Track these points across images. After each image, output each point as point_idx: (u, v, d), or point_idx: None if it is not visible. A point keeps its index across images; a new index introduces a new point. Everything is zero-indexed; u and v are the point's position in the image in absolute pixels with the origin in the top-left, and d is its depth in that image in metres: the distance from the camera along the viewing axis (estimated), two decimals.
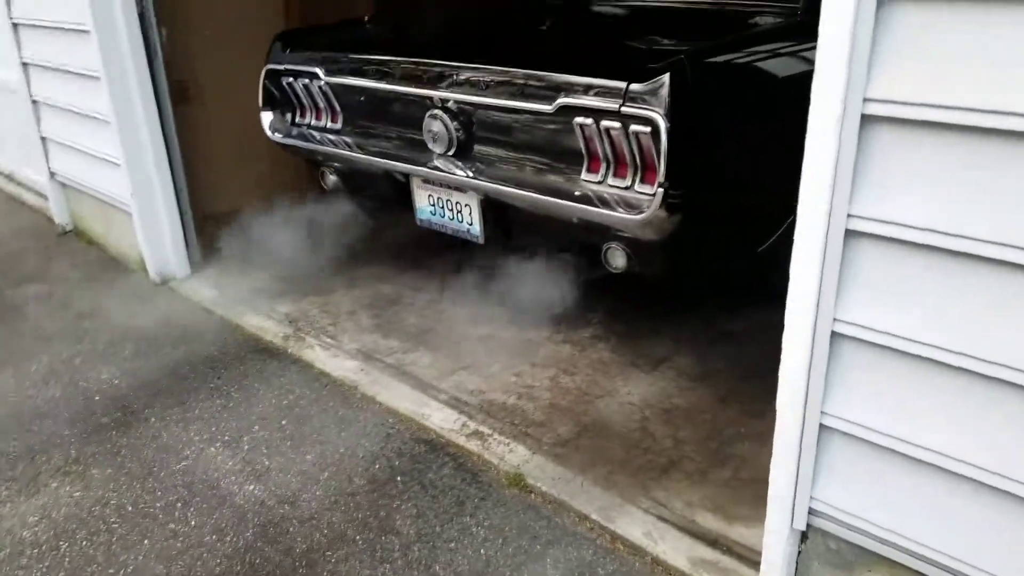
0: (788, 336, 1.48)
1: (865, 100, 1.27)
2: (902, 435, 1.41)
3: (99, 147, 3.58)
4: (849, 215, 1.34)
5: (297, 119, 3.23)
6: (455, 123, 2.59)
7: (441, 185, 2.79)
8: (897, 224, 1.30)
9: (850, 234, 1.36)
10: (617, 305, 3.13)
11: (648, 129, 2.00)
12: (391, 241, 3.82)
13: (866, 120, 1.29)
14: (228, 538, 2.04)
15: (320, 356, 2.90)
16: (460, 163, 2.63)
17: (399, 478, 2.23)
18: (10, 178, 5.27)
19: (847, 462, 1.51)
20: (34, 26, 3.76)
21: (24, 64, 3.99)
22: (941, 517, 1.42)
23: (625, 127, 2.07)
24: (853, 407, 1.46)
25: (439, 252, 3.56)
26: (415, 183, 2.89)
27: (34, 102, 4.07)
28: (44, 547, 2.03)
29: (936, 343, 1.32)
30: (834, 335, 1.43)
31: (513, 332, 3.00)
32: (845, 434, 1.48)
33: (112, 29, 3.22)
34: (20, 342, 3.11)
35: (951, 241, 1.26)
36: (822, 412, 1.49)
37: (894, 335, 1.36)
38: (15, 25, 3.92)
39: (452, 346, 2.93)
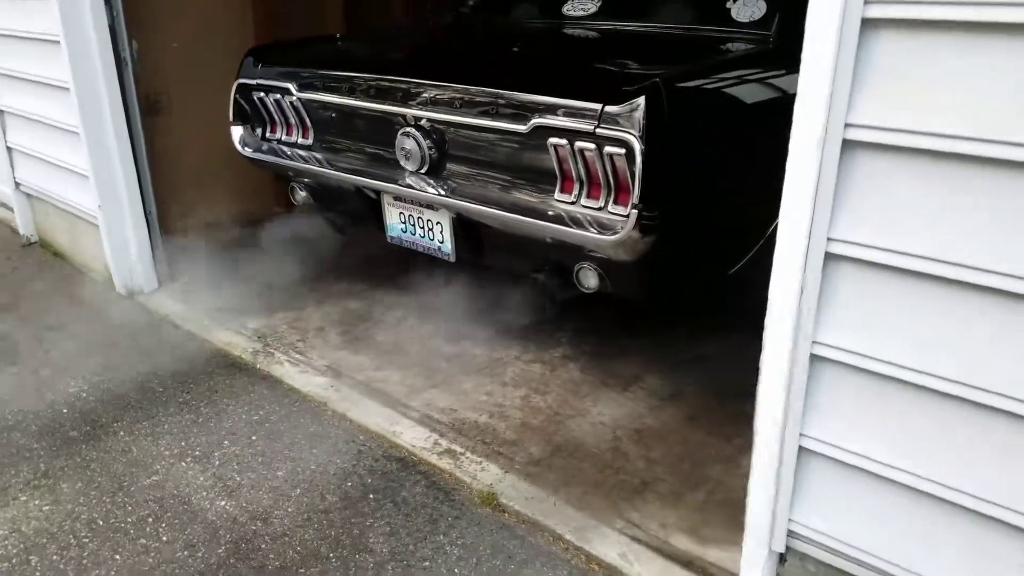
0: (766, 358, 1.51)
1: (847, 125, 1.31)
2: (882, 458, 1.44)
3: (67, 158, 3.52)
4: (829, 238, 1.38)
5: (268, 134, 3.22)
6: (427, 141, 2.60)
7: (412, 203, 2.80)
8: (877, 248, 1.34)
9: (830, 257, 1.39)
10: (586, 325, 3.16)
11: (623, 151, 2.04)
12: (361, 258, 3.81)
13: (847, 145, 1.33)
14: (200, 554, 2.00)
15: (290, 372, 2.87)
16: (432, 181, 2.64)
17: (371, 495, 2.22)
18: None
19: (827, 484, 1.53)
20: (3, 36, 3.70)
21: None
22: (922, 540, 1.44)
23: (599, 148, 2.10)
24: (833, 429, 1.49)
25: (409, 270, 3.56)
26: (386, 200, 2.90)
27: (0, 112, 4.00)
28: (14, 561, 1.98)
29: (915, 366, 1.36)
30: (813, 357, 1.46)
31: (483, 350, 3.01)
32: (825, 456, 1.51)
33: (83, 40, 3.19)
34: None
35: (930, 265, 1.30)
36: (801, 434, 1.52)
37: (873, 358, 1.39)
38: None
39: (422, 364, 2.93)
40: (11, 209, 4.34)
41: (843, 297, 1.43)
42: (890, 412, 1.43)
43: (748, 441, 2.38)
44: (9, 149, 4.08)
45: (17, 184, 4.14)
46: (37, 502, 2.20)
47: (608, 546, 2.02)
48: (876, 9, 1.27)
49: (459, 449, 2.42)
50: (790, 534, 1.63)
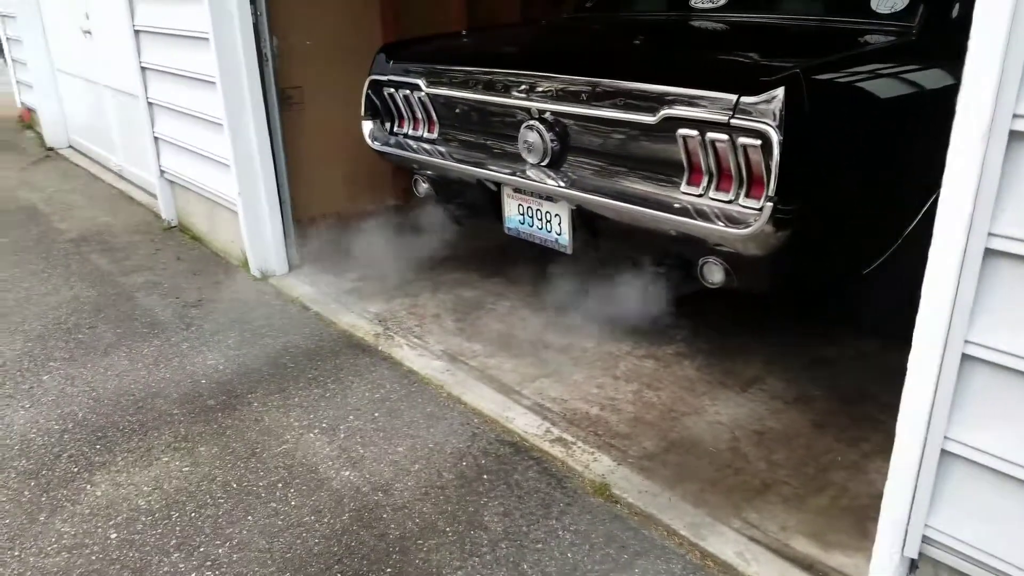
0: (915, 357, 1.45)
1: (1015, 116, 1.25)
2: None
3: (210, 148, 3.78)
4: (990, 234, 1.31)
5: (395, 128, 3.34)
6: (551, 134, 2.64)
7: (531, 195, 2.84)
8: None
9: (989, 253, 1.33)
10: (701, 322, 3.11)
11: (758, 142, 2.00)
12: (474, 249, 3.90)
13: (1014, 136, 1.26)
14: (326, 520, 2.11)
15: (408, 355, 2.97)
16: (553, 173, 2.68)
17: (485, 476, 2.27)
18: (120, 175, 5.60)
19: (968, 490, 1.46)
20: (155, 33, 4.01)
21: (143, 68, 4.26)
22: None
23: (733, 140, 2.07)
24: (979, 433, 1.42)
25: (520, 261, 3.61)
26: (506, 192, 2.96)
27: (149, 104, 4.33)
28: (157, 515, 2.15)
29: None
30: (964, 357, 1.39)
31: (594, 343, 3.01)
32: (968, 460, 1.44)
33: (229, 37, 3.41)
34: (132, 325, 3.30)
35: None
36: (945, 437, 1.45)
37: None
38: (136, 32, 4.19)
39: (533, 353, 2.97)
40: (154, 195, 4.70)
41: (1001, 295, 1.35)
42: None
43: (876, 447, 2.32)
44: (156, 139, 4.41)
45: (162, 172, 4.48)
46: (177, 463, 2.37)
47: (725, 544, 1.99)
48: None
49: (570, 438, 2.44)
50: (925, 540, 1.56)
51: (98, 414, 2.64)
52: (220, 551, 2.01)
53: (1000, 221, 1.32)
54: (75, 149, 6.53)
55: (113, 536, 2.07)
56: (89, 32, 5.39)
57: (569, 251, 2.84)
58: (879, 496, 1.60)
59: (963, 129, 1.31)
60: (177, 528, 2.10)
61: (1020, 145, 1.28)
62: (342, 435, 2.49)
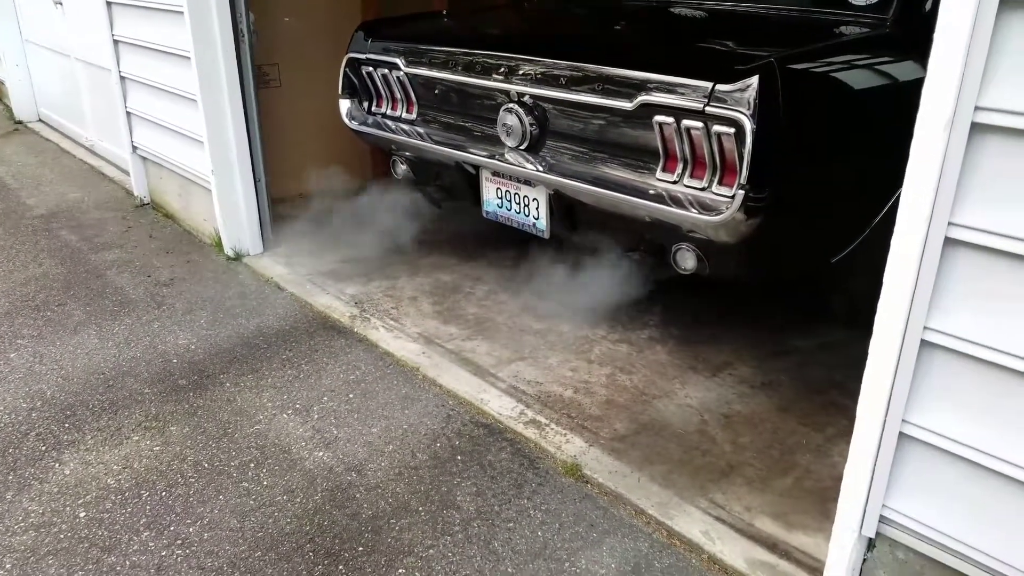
0: (875, 342, 1.48)
1: (976, 108, 1.28)
2: (987, 448, 1.40)
3: (183, 124, 3.73)
4: (950, 223, 1.35)
5: (374, 108, 3.32)
6: (529, 117, 2.64)
7: (510, 178, 2.85)
8: (999, 235, 1.30)
9: (949, 242, 1.36)
10: (674, 308, 3.15)
11: (732, 130, 2.03)
12: (453, 232, 3.90)
13: (975, 128, 1.30)
14: (298, 499, 2.12)
15: (384, 337, 2.98)
16: (531, 157, 2.68)
17: (459, 457, 2.29)
18: (91, 151, 5.50)
19: (925, 471, 1.51)
20: (127, 5, 3.93)
21: (115, 41, 4.18)
22: (1021, 533, 1.41)
23: (707, 127, 2.09)
24: (936, 417, 1.46)
25: (499, 245, 3.62)
26: (484, 175, 2.96)
27: (122, 78, 4.25)
28: (127, 494, 2.14)
29: None
30: (923, 343, 1.43)
31: (570, 327, 3.04)
32: (925, 443, 1.48)
33: (204, 11, 3.36)
34: (103, 303, 3.26)
35: None
36: (903, 420, 1.49)
37: (987, 346, 1.36)
38: (109, 3, 4.10)
39: (510, 337, 2.99)
40: (126, 171, 4.63)
41: (960, 283, 1.39)
42: (1001, 401, 1.39)
43: (840, 431, 2.37)
44: (128, 114, 4.33)
45: (134, 147, 4.41)
46: (148, 442, 2.36)
47: (691, 523, 2.03)
48: None
49: (544, 420, 2.46)
50: (882, 519, 1.61)
51: (67, 392, 2.62)
52: (191, 530, 2.01)
53: (960, 211, 1.35)
54: (45, 123, 6.40)
55: (82, 515, 2.06)
56: (60, 3, 5.26)
57: (546, 236, 2.86)
58: (841, 478, 1.65)
59: (926, 120, 1.34)
60: (147, 507, 2.09)
61: (981, 137, 1.31)
62: (316, 416, 2.49)
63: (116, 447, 2.34)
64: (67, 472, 2.22)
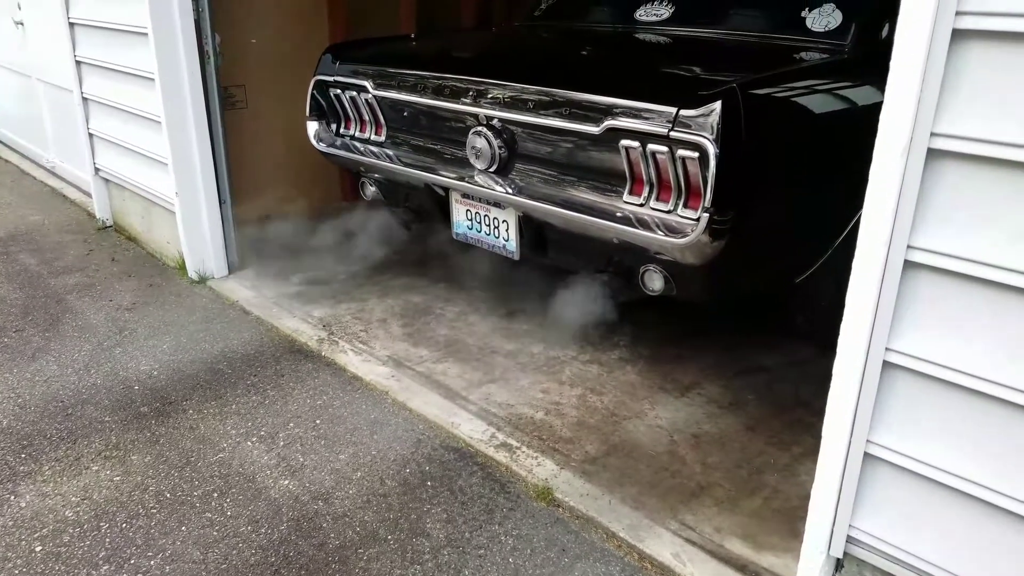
0: (839, 363, 1.51)
1: (932, 135, 1.31)
2: (950, 468, 1.43)
3: (147, 146, 3.68)
4: (909, 246, 1.37)
5: (342, 130, 3.31)
6: (498, 140, 2.65)
7: (480, 200, 2.85)
8: (956, 257, 1.33)
9: (908, 264, 1.39)
10: (644, 329, 3.17)
11: (696, 155, 2.05)
12: (423, 253, 3.88)
13: (932, 154, 1.33)
14: (263, 530, 2.07)
15: (353, 360, 2.95)
16: (500, 180, 2.69)
17: (429, 483, 2.26)
18: (52, 172, 5.40)
19: (891, 492, 1.53)
20: (90, 26, 3.88)
21: (78, 62, 4.12)
22: (986, 553, 1.43)
23: (672, 152, 2.12)
24: (900, 437, 1.48)
25: (470, 267, 3.62)
26: (454, 197, 2.96)
27: (84, 99, 4.19)
28: (86, 527, 2.08)
29: (991, 377, 1.34)
30: (886, 364, 1.45)
31: (541, 348, 3.04)
32: (890, 464, 1.50)
33: (169, 32, 3.33)
34: (62, 329, 3.18)
35: (1010, 276, 1.29)
36: (868, 440, 1.51)
37: (948, 367, 1.38)
38: (72, 24, 4.05)
39: (481, 359, 2.97)
40: (88, 194, 4.54)
41: (919, 305, 1.42)
42: (964, 422, 1.41)
43: (806, 450, 2.39)
44: (91, 136, 4.26)
45: (96, 169, 4.33)
46: (108, 472, 2.30)
47: (662, 546, 2.03)
48: (968, 20, 1.27)
49: (515, 443, 2.45)
50: (849, 540, 1.62)
51: (24, 422, 2.54)
52: (152, 563, 1.95)
53: (919, 234, 1.38)
54: (4, 144, 6.27)
55: (38, 549, 2.00)
56: (21, 23, 5.18)
57: (517, 257, 2.86)
58: (808, 498, 1.66)
59: (884, 146, 1.37)
60: (107, 539, 2.03)
61: (937, 162, 1.35)
62: (281, 443, 2.45)
63: (75, 478, 2.27)
64: (23, 505, 2.15)
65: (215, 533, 2.06)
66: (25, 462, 2.34)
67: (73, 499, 2.19)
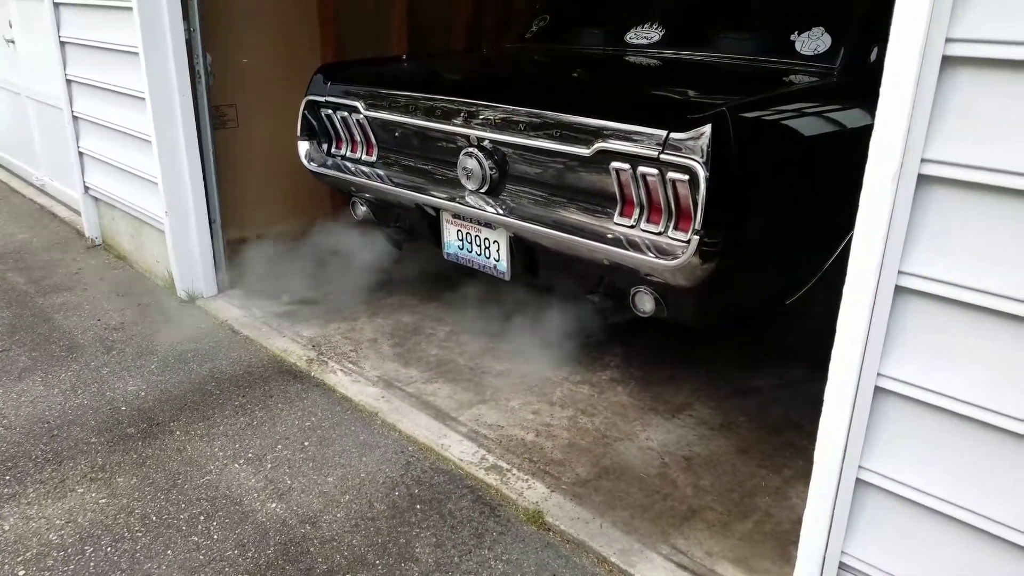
0: (830, 389, 1.50)
1: (923, 160, 1.32)
2: (942, 495, 1.42)
3: (137, 165, 3.67)
4: (900, 272, 1.37)
5: (333, 150, 3.31)
6: (489, 161, 2.65)
7: (471, 221, 2.85)
8: (948, 283, 1.33)
9: (900, 290, 1.39)
10: (635, 349, 3.17)
11: (686, 177, 2.06)
12: (414, 273, 3.87)
13: (922, 180, 1.33)
14: (250, 554, 2.04)
15: (342, 381, 2.92)
16: (491, 200, 2.69)
17: (419, 506, 2.24)
18: (42, 190, 5.37)
19: (883, 519, 1.51)
20: (82, 45, 3.88)
21: (68, 81, 4.11)
22: None
23: (662, 174, 2.13)
24: (893, 464, 1.47)
25: (460, 287, 3.61)
26: (445, 217, 2.95)
27: (75, 118, 4.18)
28: (70, 551, 2.04)
29: (983, 403, 1.34)
30: (877, 390, 1.45)
31: (532, 369, 3.03)
32: (882, 489, 1.49)
33: (161, 52, 3.34)
34: (49, 348, 3.15)
35: (1001, 303, 1.29)
36: (860, 467, 1.50)
37: (940, 393, 1.38)
38: (63, 43, 4.05)
39: (471, 379, 2.96)
40: (78, 212, 4.52)
41: (911, 331, 1.42)
42: (956, 449, 1.41)
43: (798, 473, 2.38)
44: (81, 154, 4.25)
45: (86, 188, 4.31)
46: (93, 495, 2.27)
47: (653, 570, 2.01)
48: (958, 47, 1.28)
49: (506, 466, 2.43)
50: (842, 566, 1.61)
51: (9, 443, 2.51)
52: None
53: (910, 260, 1.38)
54: None
55: (21, 573, 1.96)
56: (12, 41, 5.18)
57: (507, 277, 2.86)
58: (800, 521, 1.65)
59: (874, 172, 1.37)
60: (91, 563, 2.00)
61: (928, 188, 1.35)
62: (269, 465, 2.42)
63: (59, 500, 2.24)
64: (6, 528, 2.12)
65: (201, 557, 2.02)
66: (9, 484, 2.30)
67: (58, 522, 2.15)
